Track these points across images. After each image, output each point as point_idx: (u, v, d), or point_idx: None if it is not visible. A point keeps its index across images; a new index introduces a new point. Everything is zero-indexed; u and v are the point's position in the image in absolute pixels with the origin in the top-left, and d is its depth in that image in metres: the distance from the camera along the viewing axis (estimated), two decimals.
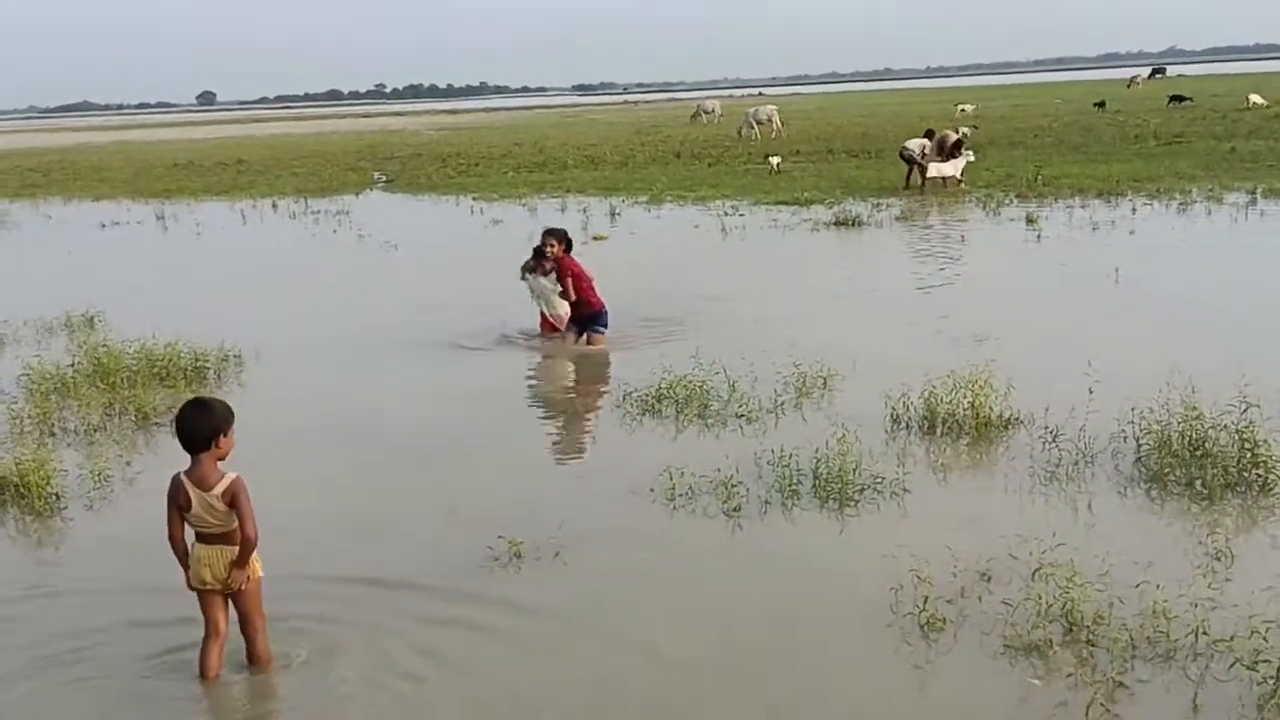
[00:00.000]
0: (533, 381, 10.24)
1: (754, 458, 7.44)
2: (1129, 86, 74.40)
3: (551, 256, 11.23)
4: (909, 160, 24.52)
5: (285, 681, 5.06)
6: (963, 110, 53.13)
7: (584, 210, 23.47)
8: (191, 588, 5.04)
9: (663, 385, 9.08)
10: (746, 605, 5.57)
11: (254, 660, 5.11)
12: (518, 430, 8.94)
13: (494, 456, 8.35)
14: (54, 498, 7.33)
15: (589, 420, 8.90)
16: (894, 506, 6.74)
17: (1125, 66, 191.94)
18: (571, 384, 10.00)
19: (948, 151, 24.69)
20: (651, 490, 7.06)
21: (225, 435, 4.95)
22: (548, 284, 11.34)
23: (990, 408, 8.05)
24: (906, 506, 6.74)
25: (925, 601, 5.32)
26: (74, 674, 5.19)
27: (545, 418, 9.29)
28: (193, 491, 4.91)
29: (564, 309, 11.35)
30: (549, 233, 11.44)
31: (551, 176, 32.62)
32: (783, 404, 8.77)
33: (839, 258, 16.89)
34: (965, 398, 8.13)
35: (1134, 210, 19.30)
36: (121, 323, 12.92)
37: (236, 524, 4.92)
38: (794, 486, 6.95)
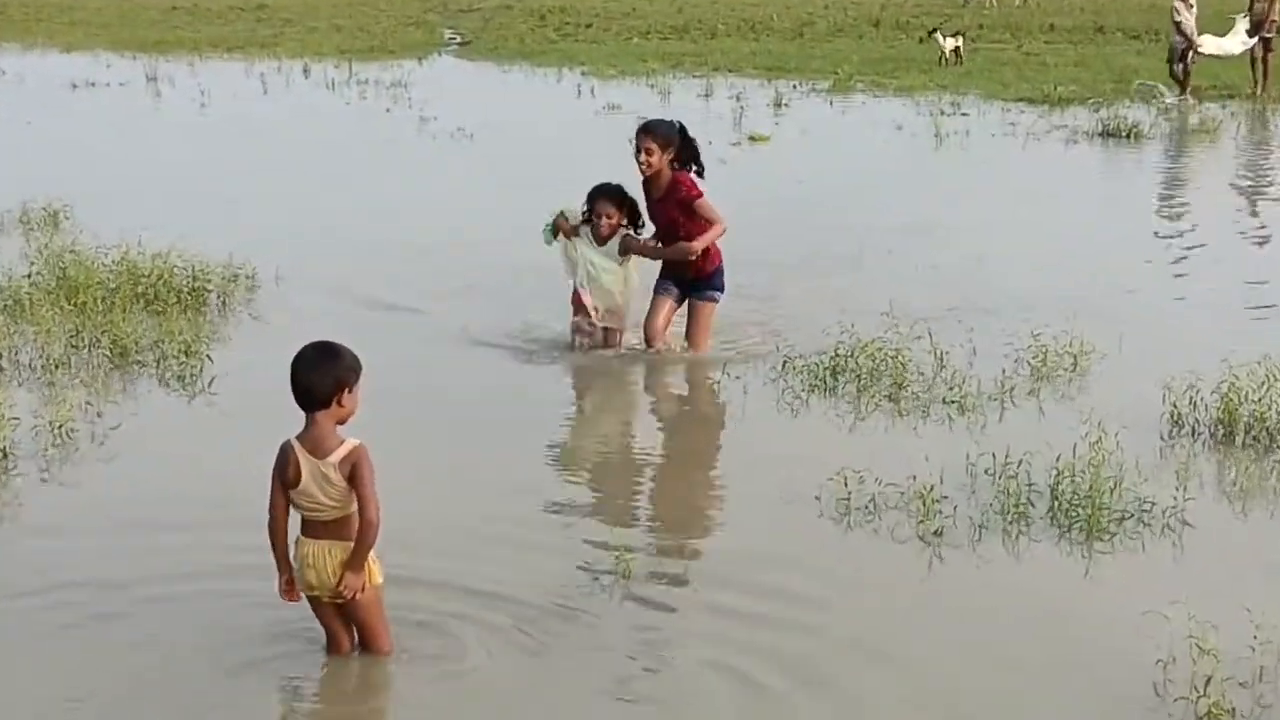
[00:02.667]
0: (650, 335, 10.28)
1: (966, 462, 7.40)
2: None
3: (607, 229, 9.46)
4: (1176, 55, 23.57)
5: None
6: None
7: (737, 98, 23.46)
8: (284, 594, 5.39)
9: (840, 352, 9.05)
10: (947, 671, 5.56)
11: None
12: (629, 407, 9.00)
13: (598, 441, 8.44)
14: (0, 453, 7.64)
15: (731, 397, 8.93)
16: (1167, 545, 6.65)
17: None
18: (709, 342, 10.02)
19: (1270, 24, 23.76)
20: (817, 499, 7.08)
21: (351, 390, 5.28)
22: (599, 257, 9.50)
23: None
24: (1186, 545, 6.64)
25: (1207, 683, 5.25)
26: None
27: (668, 389, 9.33)
28: (304, 460, 5.20)
29: (616, 297, 9.56)
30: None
31: (694, 47, 32.64)
32: (1012, 389, 8.70)
33: (1105, 184, 16.61)
34: None
35: None
36: (96, 222, 13.32)
37: (354, 509, 5.23)
38: (1022, 507, 6.89)
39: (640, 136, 9.40)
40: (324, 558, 5.27)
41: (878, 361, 8.95)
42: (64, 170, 16.72)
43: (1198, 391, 8.18)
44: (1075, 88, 23.82)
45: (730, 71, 28.12)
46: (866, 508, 6.98)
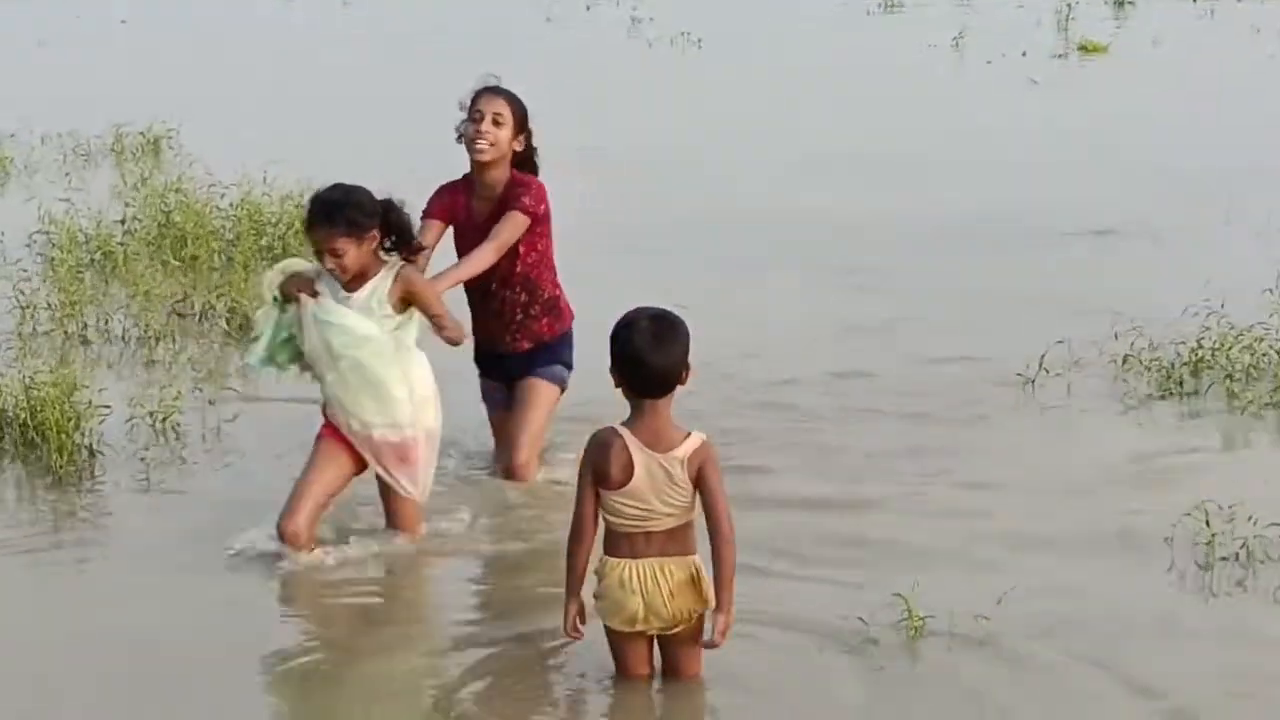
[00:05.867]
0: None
1: None
2: None
3: (356, 262, 6.82)
4: None
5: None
6: None
7: None
8: (571, 632, 5.68)
9: (1203, 343, 8.99)
10: None
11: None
12: (910, 417, 8.96)
13: (882, 455, 8.40)
14: (84, 452, 7.86)
15: (1050, 401, 8.84)
16: None
17: None
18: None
19: None
20: (1167, 542, 6.98)
21: (689, 368, 5.53)
22: (357, 321, 6.87)
23: None
24: None
25: None
26: None
27: (959, 391, 9.24)
28: (639, 454, 5.41)
29: (404, 405, 6.88)
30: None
31: None
32: None
33: None
34: None
35: None
36: (209, 152, 13.65)
37: (691, 518, 5.46)
38: None
39: (485, 97, 7.89)
40: (656, 580, 5.45)
41: (1257, 355, 8.85)
42: (167, 85, 17.15)
43: None
44: None
45: None
46: (1238, 557, 6.85)
